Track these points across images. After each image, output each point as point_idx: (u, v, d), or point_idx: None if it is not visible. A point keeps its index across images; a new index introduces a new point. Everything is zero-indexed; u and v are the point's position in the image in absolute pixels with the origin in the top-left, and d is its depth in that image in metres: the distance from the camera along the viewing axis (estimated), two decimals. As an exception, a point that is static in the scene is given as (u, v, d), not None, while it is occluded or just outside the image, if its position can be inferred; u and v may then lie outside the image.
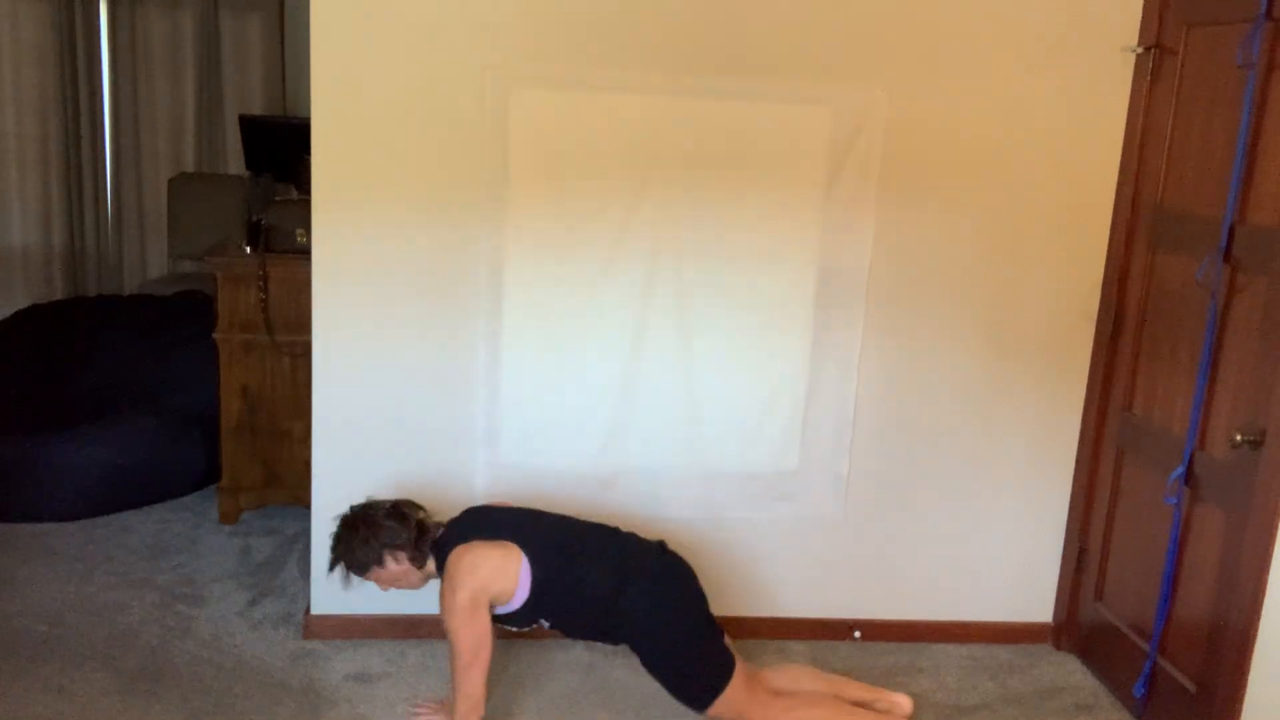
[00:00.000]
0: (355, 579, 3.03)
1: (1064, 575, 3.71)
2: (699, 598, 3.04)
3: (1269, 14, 2.79)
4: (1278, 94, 2.82)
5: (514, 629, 3.07)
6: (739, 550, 3.62)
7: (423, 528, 3.01)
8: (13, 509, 4.22)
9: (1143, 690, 3.24)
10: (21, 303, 5.99)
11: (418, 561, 2.98)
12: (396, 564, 2.98)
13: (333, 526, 3.04)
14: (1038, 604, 3.76)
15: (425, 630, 3.55)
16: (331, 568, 3.03)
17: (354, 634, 3.52)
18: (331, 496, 3.44)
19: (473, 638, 2.86)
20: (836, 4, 3.26)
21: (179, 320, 5.12)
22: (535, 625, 3.02)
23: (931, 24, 3.31)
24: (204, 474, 4.53)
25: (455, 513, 3.50)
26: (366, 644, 3.51)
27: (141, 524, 4.28)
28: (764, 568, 3.64)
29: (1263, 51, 2.82)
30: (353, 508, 3.04)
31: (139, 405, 4.57)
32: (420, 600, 3.51)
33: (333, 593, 3.50)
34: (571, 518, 3.13)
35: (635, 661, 3.45)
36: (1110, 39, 3.37)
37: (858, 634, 3.71)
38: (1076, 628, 3.69)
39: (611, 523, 3.14)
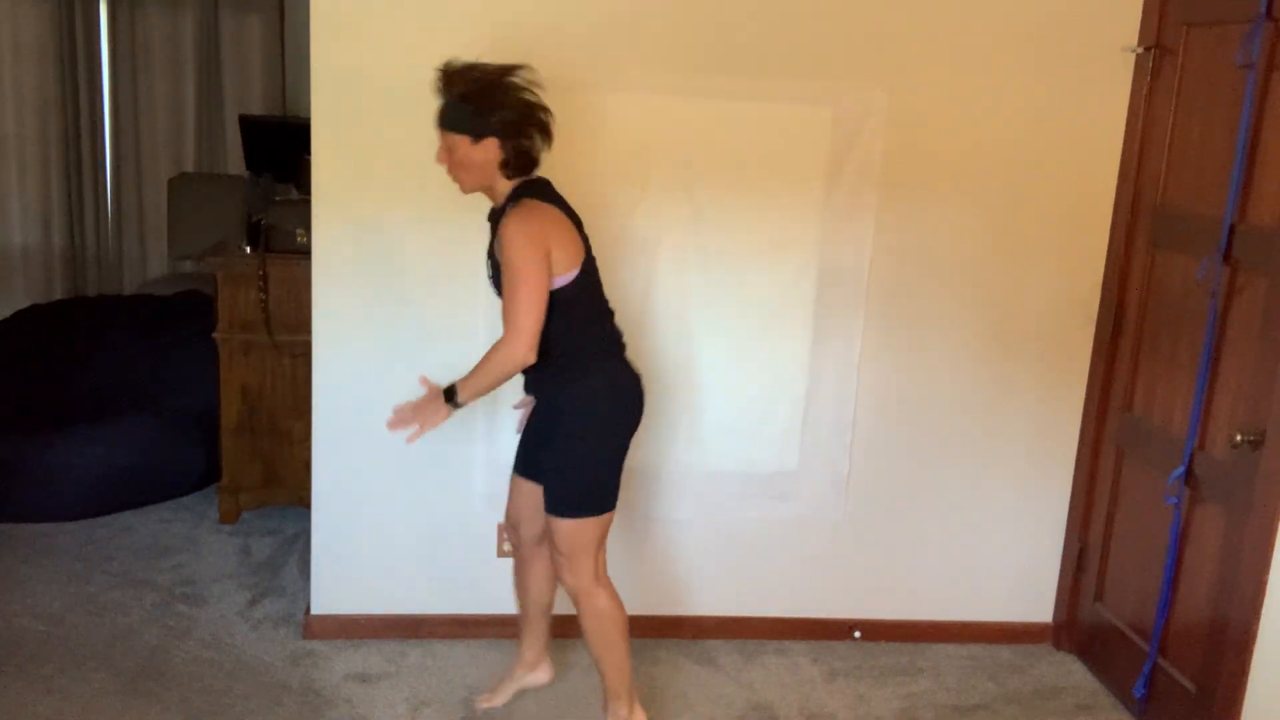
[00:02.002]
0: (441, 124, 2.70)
1: (1064, 575, 3.72)
2: (632, 429, 2.88)
3: (1269, 14, 2.79)
4: (1278, 94, 2.82)
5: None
6: (739, 550, 3.62)
7: (533, 157, 2.70)
8: (13, 509, 4.22)
9: (1143, 690, 3.24)
10: (21, 303, 5.99)
11: (505, 170, 2.68)
12: (485, 152, 2.65)
13: (468, 63, 2.68)
14: (1038, 604, 3.76)
15: (425, 630, 3.55)
16: (447, 70, 2.67)
17: (354, 634, 3.53)
18: (331, 496, 3.44)
19: (530, 271, 2.57)
20: (836, 4, 3.26)
21: (179, 320, 5.12)
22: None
23: (931, 24, 3.31)
24: (204, 474, 4.53)
25: (455, 513, 3.51)
26: (366, 644, 3.51)
27: (141, 524, 4.28)
28: (764, 568, 3.64)
29: (1263, 51, 2.82)
30: (501, 67, 2.66)
31: (139, 405, 4.57)
32: (421, 600, 3.52)
33: (333, 593, 3.51)
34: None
35: (636, 661, 3.45)
36: (1110, 39, 3.37)
37: (858, 634, 3.71)
38: (1076, 628, 3.69)
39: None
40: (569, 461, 2.81)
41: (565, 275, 2.68)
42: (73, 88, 6.27)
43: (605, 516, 2.85)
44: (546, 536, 2.94)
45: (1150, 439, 3.31)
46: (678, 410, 3.47)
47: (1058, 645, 3.74)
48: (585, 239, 2.80)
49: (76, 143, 6.35)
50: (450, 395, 2.69)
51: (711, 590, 3.66)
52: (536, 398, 2.92)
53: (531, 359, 2.64)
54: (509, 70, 2.67)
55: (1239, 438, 2.82)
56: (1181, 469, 3.08)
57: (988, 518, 3.67)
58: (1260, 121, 2.86)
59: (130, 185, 6.55)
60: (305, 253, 3.61)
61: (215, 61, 6.45)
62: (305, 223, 3.67)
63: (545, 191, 2.76)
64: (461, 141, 2.67)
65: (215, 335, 4.14)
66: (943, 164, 3.41)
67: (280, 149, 4.69)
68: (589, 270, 2.76)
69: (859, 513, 3.63)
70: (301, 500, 4.11)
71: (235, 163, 6.27)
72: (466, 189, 2.77)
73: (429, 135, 3.21)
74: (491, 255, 2.77)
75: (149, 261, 6.66)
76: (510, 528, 3.13)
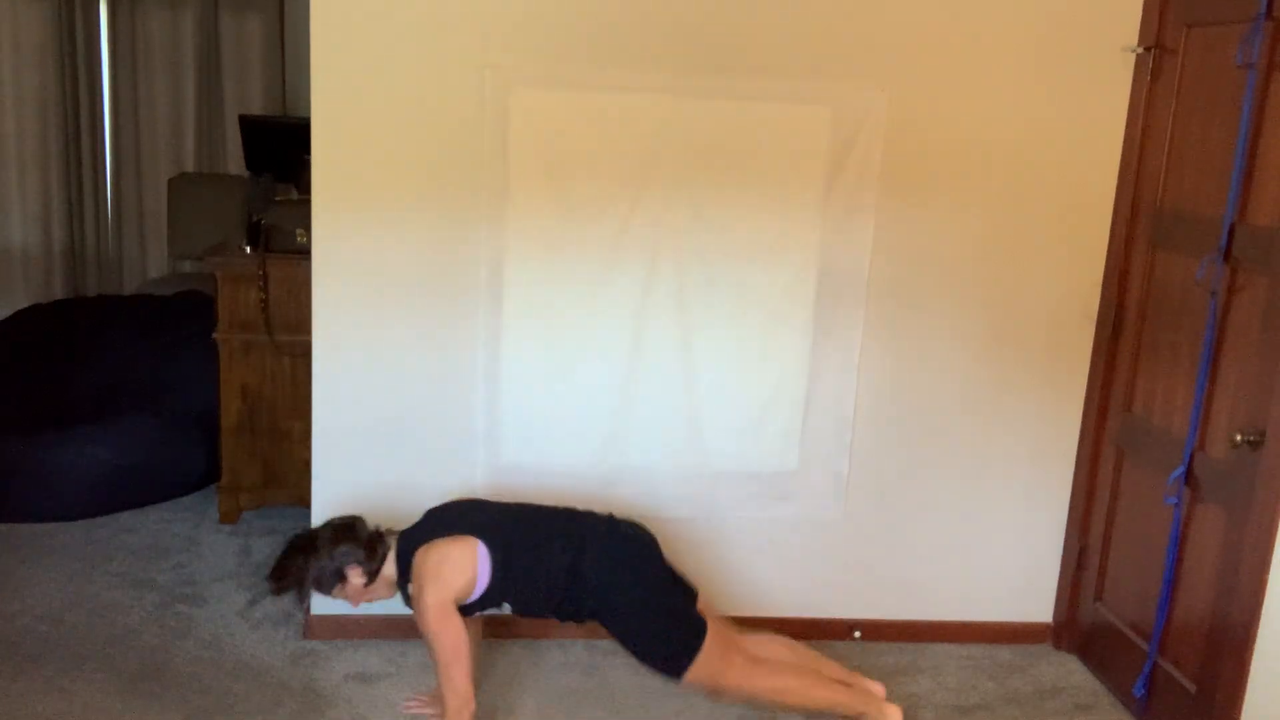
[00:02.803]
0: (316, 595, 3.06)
1: (1064, 575, 3.71)
2: (658, 558, 3.03)
3: (1269, 14, 2.79)
4: (1278, 94, 2.82)
5: (478, 613, 3.05)
6: (739, 550, 3.62)
7: (373, 539, 3.01)
8: (13, 509, 4.22)
9: (1143, 690, 3.24)
10: (21, 303, 5.99)
11: (374, 573, 2.99)
12: (358, 578, 2.98)
13: (276, 553, 3.07)
14: (1038, 604, 3.76)
15: (425, 630, 3.55)
16: (282, 592, 3.05)
17: (354, 634, 3.52)
18: (331, 496, 3.44)
19: (449, 638, 2.86)
20: (836, 4, 3.26)
21: (179, 320, 5.11)
22: (500, 608, 3.00)
23: (931, 24, 3.31)
24: (204, 474, 4.53)
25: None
26: (366, 644, 3.51)
27: (141, 524, 4.28)
28: (764, 568, 3.64)
29: (1263, 51, 2.82)
30: (294, 538, 3.07)
31: (139, 405, 4.57)
32: (420, 600, 3.51)
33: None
34: (525, 503, 3.14)
35: (635, 661, 3.45)
36: (1110, 39, 3.37)
37: (858, 634, 3.71)
38: (1076, 628, 3.69)
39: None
40: (630, 633, 2.94)
41: (480, 579, 2.91)
42: (73, 88, 6.27)
43: (707, 643, 2.90)
44: (738, 647, 3.05)
45: (1150, 439, 3.31)
46: (677, 410, 3.47)
47: (1058, 645, 3.74)
48: (472, 519, 2.99)
49: (76, 143, 6.35)
50: None
51: (712, 590, 3.64)
52: (574, 612, 3.02)
53: (470, 707, 2.90)
54: (298, 539, 3.04)
55: (1239, 438, 2.82)
56: (1181, 469, 3.08)
57: (988, 517, 3.67)
58: (1260, 121, 2.86)
59: (130, 185, 6.55)
60: (305, 253, 3.61)
61: (215, 61, 6.45)
62: (305, 223, 3.67)
63: (415, 538, 2.99)
64: (345, 591, 2.99)
65: (215, 335, 4.14)
66: (943, 164, 3.41)
67: (280, 149, 4.69)
68: (495, 543, 2.92)
69: (859, 513, 3.63)
70: (301, 500, 4.11)
71: (235, 163, 6.27)
72: (392, 595, 3.04)
73: (429, 134, 3.23)
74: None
75: (149, 261, 6.66)
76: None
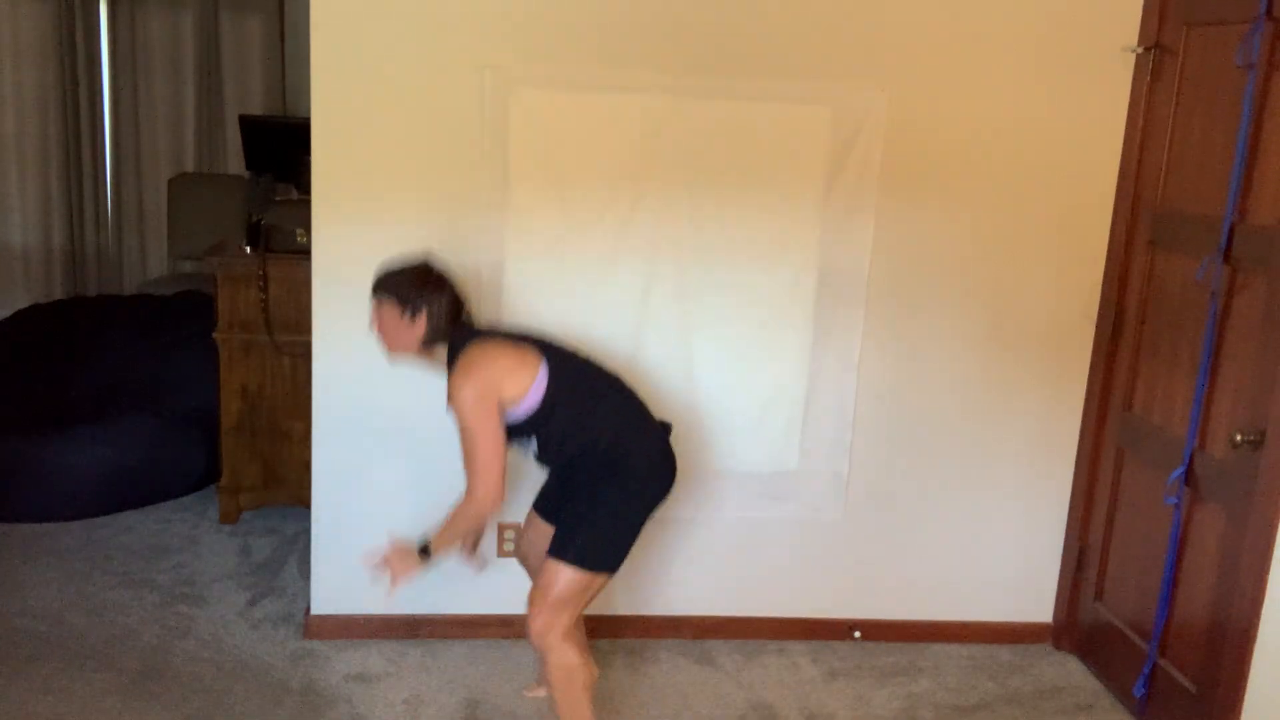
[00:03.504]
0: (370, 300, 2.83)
1: (1064, 575, 3.72)
2: (664, 496, 2.89)
3: (1269, 14, 2.79)
4: (1278, 94, 2.82)
5: (511, 443, 2.86)
6: (739, 550, 3.62)
7: (456, 310, 2.80)
8: (13, 509, 4.22)
9: (1143, 690, 3.24)
10: (21, 303, 5.99)
11: (431, 336, 2.76)
12: (413, 321, 2.74)
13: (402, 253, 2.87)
14: (1038, 604, 3.76)
15: (425, 630, 3.55)
16: (379, 290, 2.79)
17: (354, 634, 3.53)
18: (331, 496, 3.44)
19: (485, 430, 2.65)
20: (836, 4, 3.26)
21: (179, 320, 5.12)
22: (527, 442, 2.82)
23: (931, 24, 3.31)
24: (204, 474, 4.53)
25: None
26: (366, 644, 3.51)
27: (141, 524, 4.28)
28: (764, 568, 3.64)
29: (1263, 51, 2.82)
30: (428, 264, 2.84)
31: (139, 405, 4.57)
32: (421, 600, 3.52)
33: (333, 593, 3.51)
34: (596, 363, 2.95)
35: (635, 661, 3.46)
36: (1110, 39, 3.37)
37: (858, 634, 3.71)
38: (1076, 628, 3.69)
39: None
40: (601, 513, 2.77)
41: (527, 398, 2.71)
42: (73, 88, 6.27)
43: (605, 576, 2.79)
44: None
45: (1150, 439, 3.31)
46: (677, 410, 3.47)
47: (1058, 645, 3.74)
48: (543, 343, 2.83)
49: (76, 143, 6.35)
50: (425, 550, 2.73)
51: (711, 590, 3.66)
52: (567, 477, 2.91)
53: (498, 508, 2.70)
54: (423, 263, 2.83)
55: (1239, 438, 2.82)
56: (1181, 469, 3.08)
57: (988, 518, 3.67)
58: (1260, 121, 2.86)
59: (130, 185, 6.56)
60: (305, 253, 3.61)
61: (215, 61, 6.45)
62: (305, 223, 3.67)
63: (478, 333, 2.83)
64: (392, 311, 2.77)
65: (215, 335, 4.14)
66: (943, 164, 3.41)
67: (280, 149, 4.68)
68: (557, 375, 2.75)
69: (859, 513, 3.63)
70: (301, 500, 4.11)
71: (235, 163, 6.27)
72: (400, 353, 2.84)
73: (429, 135, 3.23)
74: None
75: (149, 261, 6.67)
76: (521, 558, 3.12)
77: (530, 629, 2.77)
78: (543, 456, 2.86)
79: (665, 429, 2.93)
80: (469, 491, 2.69)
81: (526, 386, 2.71)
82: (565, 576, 2.74)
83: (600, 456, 2.79)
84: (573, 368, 2.84)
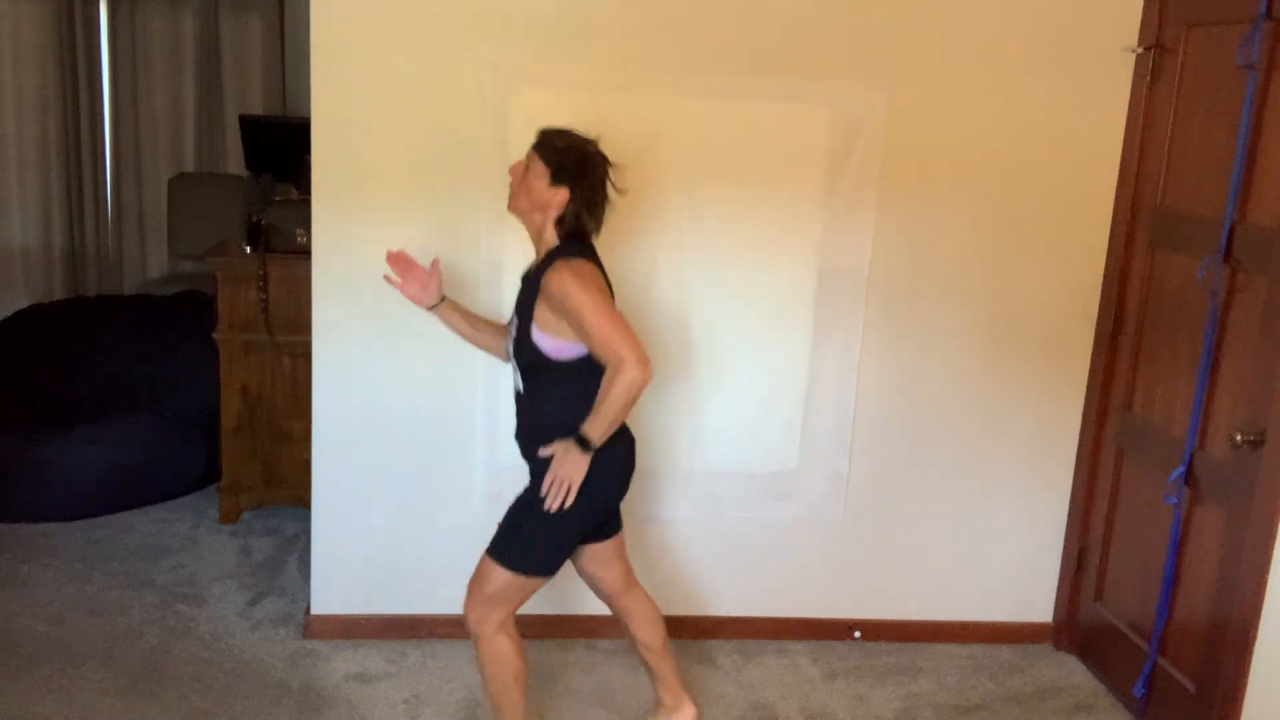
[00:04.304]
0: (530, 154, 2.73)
1: (1064, 575, 3.72)
2: (615, 505, 2.85)
3: (1269, 14, 2.80)
4: (1278, 94, 2.82)
5: (511, 355, 2.81)
6: (739, 550, 3.62)
7: (592, 222, 2.70)
8: (13, 509, 4.23)
9: (1143, 690, 3.24)
10: (22, 303, 5.99)
11: (563, 222, 2.66)
12: (555, 191, 2.64)
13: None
14: (1038, 604, 3.76)
15: (425, 630, 3.55)
16: (545, 145, 2.69)
17: (354, 634, 3.53)
18: (331, 496, 3.44)
19: (607, 306, 2.57)
20: (836, 4, 3.26)
21: (179, 320, 5.12)
22: (524, 376, 2.75)
23: (931, 24, 3.31)
24: (204, 474, 4.53)
25: (455, 513, 3.51)
26: (366, 644, 3.51)
27: (141, 524, 4.28)
28: (764, 568, 3.64)
29: (1263, 51, 2.82)
30: (591, 147, 2.71)
31: (139, 405, 4.57)
32: (421, 600, 3.52)
33: (333, 593, 3.51)
34: None
35: (635, 661, 3.45)
36: (1110, 39, 3.37)
37: (858, 634, 3.71)
38: (1076, 628, 3.69)
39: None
40: (538, 515, 2.69)
41: (579, 347, 2.65)
42: (73, 88, 6.26)
43: (543, 580, 2.75)
44: (619, 580, 2.95)
45: (1150, 439, 3.31)
46: (678, 411, 3.47)
47: (1058, 645, 3.74)
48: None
49: (76, 143, 6.34)
50: (583, 442, 2.62)
51: (711, 590, 3.66)
52: (527, 449, 2.81)
53: (650, 375, 2.58)
54: (599, 152, 2.70)
55: (1239, 438, 2.82)
56: (1181, 469, 3.08)
57: (988, 517, 3.67)
58: (1260, 121, 2.86)
59: (130, 185, 6.55)
60: (305, 253, 3.61)
61: (215, 61, 6.45)
62: (305, 223, 3.67)
63: (593, 254, 2.74)
64: (542, 170, 2.66)
65: (215, 335, 4.14)
66: (943, 164, 3.41)
67: (280, 149, 4.69)
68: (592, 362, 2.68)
69: (859, 513, 3.63)
70: (301, 500, 4.12)
71: (235, 163, 6.27)
72: (516, 208, 2.74)
73: (429, 134, 3.23)
74: (519, 312, 2.72)
75: (149, 261, 6.66)
76: (592, 588, 3.05)
77: (466, 617, 2.77)
78: (523, 409, 2.76)
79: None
80: (615, 369, 2.56)
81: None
82: (500, 577, 2.72)
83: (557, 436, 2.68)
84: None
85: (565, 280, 2.59)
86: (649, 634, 3.02)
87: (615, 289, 3.34)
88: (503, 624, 2.76)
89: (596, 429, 2.61)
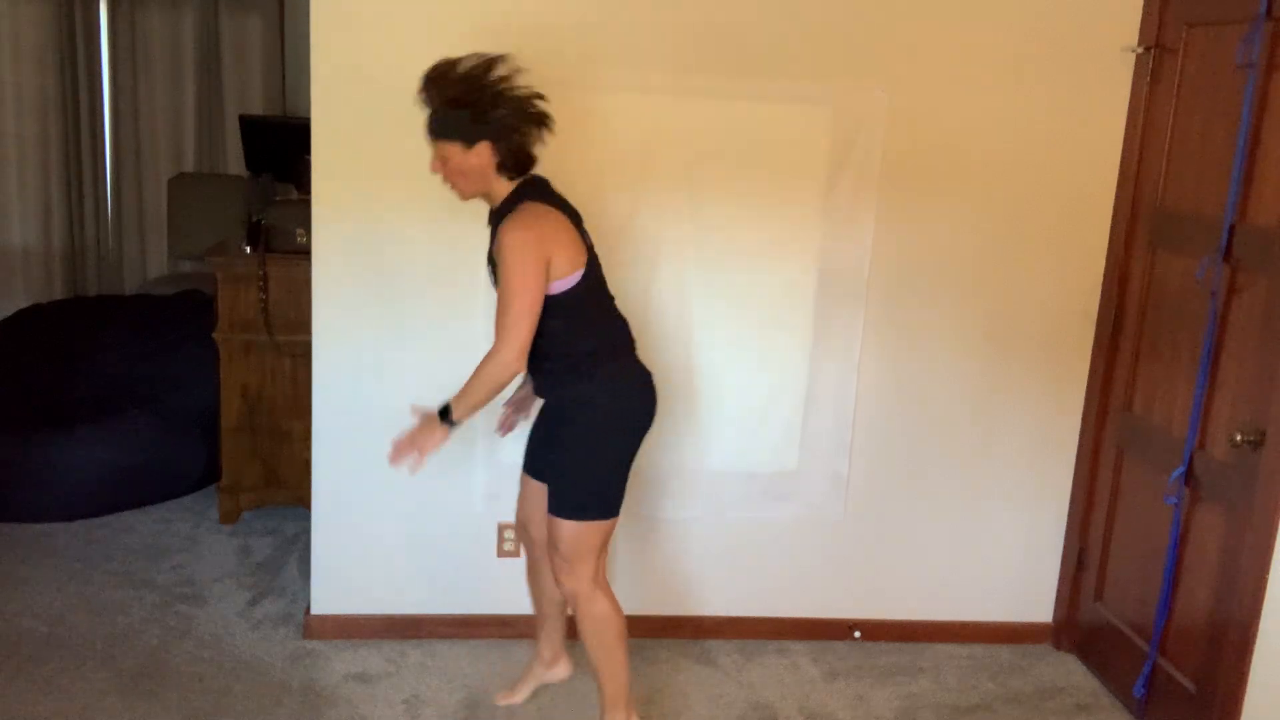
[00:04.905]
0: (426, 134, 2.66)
1: (1064, 575, 3.72)
2: (644, 430, 2.83)
3: (1269, 14, 2.80)
4: (1278, 94, 2.82)
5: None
6: (739, 550, 3.62)
7: (529, 155, 2.65)
8: (13, 509, 4.23)
9: (1143, 690, 3.24)
10: (22, 303, 5.99)
11: (501, 172, 2.62)
12: (479, 157, 2.59)
13: (446, 60, 2.58)
14: (1038, 604, 3.76)
15: (425, 630, 3.55)
16: (428, 90, 2.59)
17: (354, 634, 3.53)
18: (331, 496, 3.44)
19: (527, 281, 2.52)
20: (836, 4, 3.26)
21: (179, 320, 5.12)
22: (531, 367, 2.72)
23: (931, 24, 3.31)
24: (204, 474, 4.53)
25: (455, 513, 3.51)
26: (366, 644, 3.51)
27: (141, 524, 4.28)
28: (764, 568, 3.64)
29: (1263, 51, 2.82)
30: (485, 59, 2.57)
31: (139, 405, 4.57)
32: (421, 600, 3.52)
33: (333, 593, 3.51)
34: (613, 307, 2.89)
35: (635, 661, 3.45)
36: (1110, 39, 3.37)
37: (858, 634, 3.71)
38: (1076, 628, 3.69)
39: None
40: (575, 462, 2.78)
41: (568, 279, 2.65)
42: (73, 88, 6.27)
43: (609, 521, 2.80)
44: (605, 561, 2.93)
45: (1150, 439, 3.31)
46: (678, 411, 3.47)
47: (1058, 645, 3.74)
48: (587, 237, 2.78)
49: (76, 143, 6.35)
50: (445, 414, 2.64)
51: (711, 590, 3.66)
52: (545, 399, 2.90)
53: (522, 368, 2.61)
54: (491, 65, 2.58)
55: (1239, 438, 2.82)
56: (1181, 469, 3.08)
57: (988, 518, 3.67)
58: (1260, 121, 2.86)
59: (130, 185, 6.56)
60: (305, 253, 3.61)
61: (215, 61, 6.45)
62: (305, 223, 3.67)
63: (545, 192, 2.73)
64: (454, 149, 2.61)
65: (215, 335, 4.14)
66: (943, 164, 3.41)
67: (280, 149, 4.69)
68: (591, 271, 2.73)
69: (859, 513, 3.63)
70: (301, 500, 4.12)
71: (235, 163, 6.27)
72: (465, 196, 2.74)
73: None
74: (491, 259, 2.74)
75: (149, 261, 6.66)
76: (520, 527, 3.12)
77: (560, 586, 2.83)
78: (534, 357, 2.68)
79: (650, 380, 2.86)
80: (494, 348, 2.57)
81: (570, 270, 2.62)
82: (570, 531, 2.75)
83: (585, 373, 2.71)
84: (598, 274, 2.76)
85: (503, 246, 2.56)
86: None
87: (614, 289, 3.36)
88: (595, 580, 2.80)
89: (461, 405, 2.62)
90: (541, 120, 2.66)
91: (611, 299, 2.86)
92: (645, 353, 3.41)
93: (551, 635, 3.19)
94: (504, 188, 2.68)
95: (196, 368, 4.53)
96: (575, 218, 2.75)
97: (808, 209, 3.38)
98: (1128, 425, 3.43)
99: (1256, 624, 2.79)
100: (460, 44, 3.17)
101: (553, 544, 2.82)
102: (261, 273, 4.06)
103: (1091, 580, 3.59)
